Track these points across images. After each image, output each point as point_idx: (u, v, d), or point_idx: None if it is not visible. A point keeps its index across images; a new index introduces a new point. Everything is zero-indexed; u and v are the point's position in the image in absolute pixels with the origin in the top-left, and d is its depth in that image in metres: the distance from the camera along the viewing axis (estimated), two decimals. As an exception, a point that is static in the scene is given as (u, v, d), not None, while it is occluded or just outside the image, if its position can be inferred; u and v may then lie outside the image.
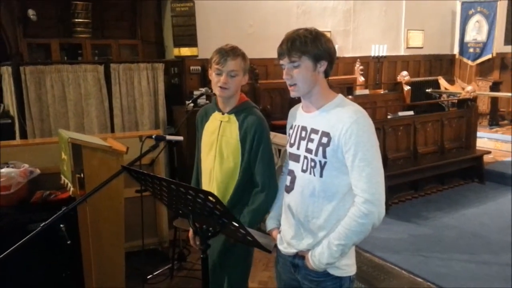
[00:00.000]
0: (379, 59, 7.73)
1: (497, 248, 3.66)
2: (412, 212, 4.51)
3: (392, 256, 3.52)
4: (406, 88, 7.37)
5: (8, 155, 3.06)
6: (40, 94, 4.61)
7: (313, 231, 1.63)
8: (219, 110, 2.08)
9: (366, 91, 7.15)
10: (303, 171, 1.63)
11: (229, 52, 1.95)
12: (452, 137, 5.45)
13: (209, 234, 1.54)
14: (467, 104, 5.68)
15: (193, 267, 3.59)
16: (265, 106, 5.94)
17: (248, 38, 6.21)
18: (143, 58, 5.93)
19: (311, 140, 1.61)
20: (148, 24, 6.20)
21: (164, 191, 1.58)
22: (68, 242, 2.46)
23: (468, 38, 8.81)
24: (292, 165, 1.70)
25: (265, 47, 5.83)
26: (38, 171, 2.90)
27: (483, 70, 8.86)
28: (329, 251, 1.56)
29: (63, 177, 2.81)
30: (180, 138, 2.79)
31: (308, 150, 1.61)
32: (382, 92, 7.58)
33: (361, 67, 7.43)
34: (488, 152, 5.68)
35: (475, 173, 5.48)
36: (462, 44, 8.87)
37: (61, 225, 2.44)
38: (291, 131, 1.75)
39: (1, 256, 1.51)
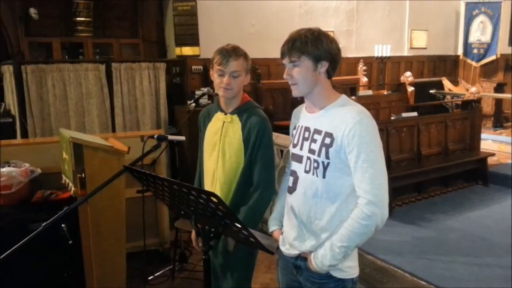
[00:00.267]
0: (382, 60, 7.69)
1: (501, 251, 3.63)
2: (415, 215, 4.48)
3: (395, 259, 3.50)
4: (410, 89, 7.34)
5: (9, 154, 3.06)
6: (41, 93, 4.60)
7: (315, 232, 1.62)
8: (222, 111, 2.07)
9: (369, 92, 7.13)
10: (306, 171, 1.62)
11: (231, 53, 1.94)
12: (456, 138, 5.41)
13: (211, 235, 1.52)
14: (471, 106, 5.65)
15: (195, 268, 3.58)
16: (267, 107, 5.91)
17: (250, 37, 6.19)
18: (145, 58, 5.92)
19: (314, 141, 1.60)
20: (150, 23, 6.19)
21: (166, 192, 1.57)
22: (70, 242, 2.46)
23: (472, 39, 8.77)
24: (294, 165, 1.69)
25: (268, 47, 5.81)
26: (39, 170, 2.90)
27: (487, 71, 8.83)
28: (331, 253, 1.55)
29: (64, 177, 2.80)
30: (182, 138, 2.77)
31: (311, 151, 1.61)
32: (385, 93, 7.56)
33: (364, 67, 7.41)
34: (492, 154, 5.65)
35: (479, 175, 5.45)
36: (466, 45, 8.83)
37: (63, 225, 2.44)
38: (294, 132, 1.74)
39: (3, 255, 1.50)
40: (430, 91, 8.04)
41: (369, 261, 3.50)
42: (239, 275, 2.10)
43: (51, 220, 1.62)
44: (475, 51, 8.75)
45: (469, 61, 8.87)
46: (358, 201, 1.53)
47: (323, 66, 1.58)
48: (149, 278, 3.40)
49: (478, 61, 8.75)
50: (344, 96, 1.65)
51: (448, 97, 7.99)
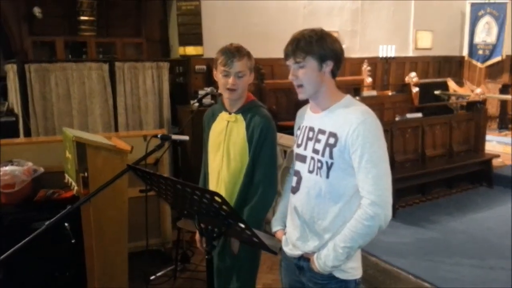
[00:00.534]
0: (387, 60, 7.66)
1: (506, 253, 3.60)
2: (419, 216, 4.46)
3: (398, 260, 3.48)
4: (414, 89, 7.31)
5: (12, 153, 3.07)
6: (44, 92, 4.60)
7: (318, 232, 1.62)
8: (226, 110, 2.07)
9: (374, 93, 7.11)
10: (310, 172, 1.62)
11: (235, 53, 1.94)
12: (461, 140, 5.39)
13: (215, 235, 1.52)
14: (476, 107, 5.62)
15: (197, 268, 3.57)
16: (271, 107, 5.90)
17: (254, 37, 6.15)
18: (148, 57, 5.91)
19: (318, 141, 1.60)
20: (153, 23, 6.20)
21: (170, 191, 1.57)
22: (73, 241, 2.46)
23: (477, 39, 8.72)
24: (298, 165, 1.69)
25: (271, 47, 5.78)
26: (42, 169, 2.90)
27: (493, 72, 8.77)
28: (334, 254, 1.54)
29: (67, 176, 2.80)
30: (186, 137, 2.76)
31: (315, 151, 1.60)
32: (390, 93, 7.54)
33: (369, 68, 7.38)
34: (497, 156, 5.60)
35: (484, 177, 5.41)
36: (471, 46, 8.78)
37: (66, 224, 2.44)
38: (298, 132, 1.74)
39: (6, 254, 1.50)
40: (435, 92, 8.00)
41: (372, 263, 3.48)
42: (244, 276, 2.10)
43: (55, 218, 1.62)
44: (481, 52, 8.70)
45: (474, 62, 8.82)
46: (362, 202, 1.52)
47: (328, 65, 1.58)
48: (151, 278, 3.39)
49: (483, 62, 8.70)
50: (348, 96, 1.64)
51: (453, 98, 7.95)
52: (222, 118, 2.08)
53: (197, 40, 5.93)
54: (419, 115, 5.30)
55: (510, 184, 5.28)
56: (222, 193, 1.99)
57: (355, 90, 6.69)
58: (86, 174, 2.59)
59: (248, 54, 1.99)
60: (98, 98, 4.83)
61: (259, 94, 5.87)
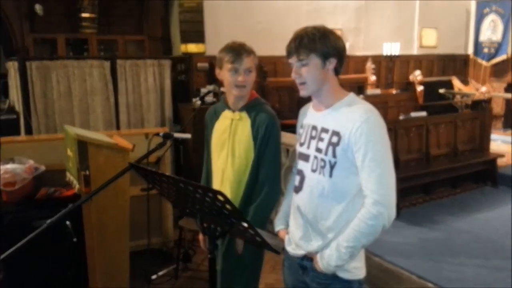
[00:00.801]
0: (391, 58, 7.62)
1: (510, 253, 3.57)
2: (423, 216, 4.44)
3: (402, 261, 3.46)
4: (419, 88, 7.26)
5: (13, 151, 3.07)
6: (45, 90, 4.59)
7: (322, 232, 1.61)
8: (229, 108, 2.05)
9: (378, 91, 7.07)
10: (313, 170, 1.61)
11: (242, 50, 1.94)
12: (465, 139, 5.36)
13: (217, 234, 1.51)
14: (481, 106, 5.60)
15: (198, 268, 3.56)
16: (274, 105, 5.86)
17: (256, 35, 6.12)
18: (149, 55, 5.90)
19: (321, 139, 1.59)
20: (155, 20, 6.18)
21: (172, 190, 1.56)
22: (74, 240, 2.44)
23: (482, 37, 8.67)
24: (301, 164, 1.68)
25: (274, 45, 5.73)
26: (43, 167, 2.90)
27: (498, 71, 8.71)
28: (337, 253, 1.53)
29: (68, 174, 2.80)
30: (188, 135, 2.74)
31: (318, 150, 1.59)
32: (394, 92, 7.50)
33: (373, 66, 7.34)
34: (502, 156, 5.57)
35: (488, 176, 5.39)
36: (477, 44, 8.74)
37: (67, 223, 2.42)
38: (301, 130, 1.73)
39: (7, 253, 1.49)
40: (440, 91, 7.96)
41: (375, 263, 3.46)
42: (247, 276, 2.08)
43: (56, 216, 1.61)
44: (486, 50, 8.65)
45: (479, 60, 8.77)
46: (365, 201, 1.51)
47: (332, 63, 1.57)
48: (153, 277, 3.38)
49: (488, 60, 8.64)
50: (352, 94, 1.63)
51: (458, 96, 7.90)
52: (226, 117, 2.07)
53: (199, 37, 5.91)
54: (424, 113, 5.26)
55: (515, 184, 5.25)
56: (227, 191, 1.99)
57: (359, 88, 6.66)
58: (87, 172, 2.58)
59: (253, 51, 1.99)
60: (100, 96, 4.81)
61: (262, 92, 5.85)
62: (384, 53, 7.60)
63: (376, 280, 3.30)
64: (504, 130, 7.63)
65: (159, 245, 3.82)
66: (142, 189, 3.25)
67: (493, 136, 5.95)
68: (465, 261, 3.48)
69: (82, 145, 2.54)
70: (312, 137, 1.63)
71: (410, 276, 3.27)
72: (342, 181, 1.55)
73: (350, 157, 1.52)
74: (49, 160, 3.02)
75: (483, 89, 5.93)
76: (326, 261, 1.56)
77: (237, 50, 1.93)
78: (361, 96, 5.85)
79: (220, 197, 1.32)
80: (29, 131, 4.53)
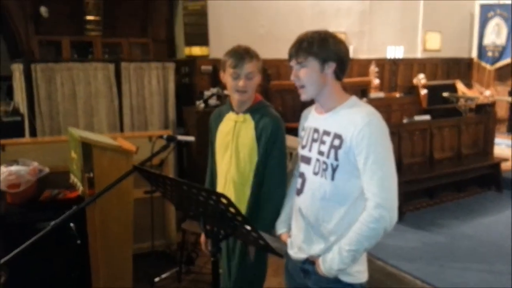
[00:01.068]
0: (395, 61, 7.60)
1: (515, 258, 3.56)
2: (427, 220, 4.44)
3: (405, 265, 3.46)
4: (423, 91, 7.24)
5: (17, 153, 3.08)
6: (50, 92, 4.60)
7: (323, 235, 1.61)
8: (233, 111, 2.06)
9: (381, 94, 7.06)
10: (315, 173, 1.61)
11: (245, 55, 1.95)
12: (469, 143, 5.35)
13: (221, 237, 1.51)
14: (485, 110, 5.58)
15: (201, 270, 3.55)
16: (277, 108, 5.83)
17: (260, 38, 6.15)
18: (154, 57, 5.91)
19: (323, 142, 1.59)
20: (159, 23, 6.20)
21: (176, 192, 1.56)
22: (78, 242, 2.45)
23: (486, 41, 8.64)
24: (303, 167, 1.68)
25: (278, 48, 5.73)
26: (47, 169, 2.90)
27: (502, 74, 8.67)
28: (340, 257, 1.53)
29: (72, 176, 2.80)
30: (192, 138, 2.73)
31: (320, 152, 1.59)
32: (397, 95, 7.49)
33: (376, 69, 7.33)
34: (506, 160, 5.56)
35: (492, 180, 5.38)
36: (481, 48, 8.72)
37: (71, 224, 2.43)
38: (303, 133, 1.73)
39: (11, 255, 1.50)
40: (443, 94, 7.93)
41: (379, 267, 3.46)
42: (250, 279, 2.07)
43: (60, 218, 1.62)
44: (490, 54, 8.62)
45: (483, 64, 8.75)
46: (367, 204, 1.51)
47: (330, 67, 1.58)
48: (155, 280, 3.37)
49: (492, 64, 8.62)
50: (354, 97, 1.64)
51: (462, 100, 7.87)
52: (229, 119, 2.08)
53: (203, 40, 5.92)
54: (427, 117, 5.26)
55: (519, 188, 5.23)
56: (231, 193, 2.00)
57: (362, 91, 6.65)
58: (91, 174, 2.58)
59: (256, 56, 2.00)
60: (104, 98, 4.83)
61: (265, 95, 5.85)
62: (388, 57, 7.60)
63: (379, 284, 3.28)
64: (508, 134, 7.59)
65: (162, 247, 3.81)
66: (145, 192, 3.26)
67: (497, 140, 5.94)
68: (469, 266, 3.47)
69: (86, 147, 2.55)
70: (314, 140, 1.64)
71: (414, 280, 3.26)
72: (344, 184, 1.55)
73: (352, 160, 1.52)
74: (53, 162, 3.02)
75: (487, 93, 5.91)
76: (328, 264, 1.55)
77: (240, 55, 1.94)
78: (365, 99, 5.84)
79: (224, 200, 1.32)
80: (33, 133, 4.54)
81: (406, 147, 4.77)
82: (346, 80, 1.68)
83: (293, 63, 1.60)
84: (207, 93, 5.24)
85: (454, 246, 3.84)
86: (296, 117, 1.89)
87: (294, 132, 1.95)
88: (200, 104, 4.83)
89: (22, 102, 4.66)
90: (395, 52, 7.54)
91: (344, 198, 1.56)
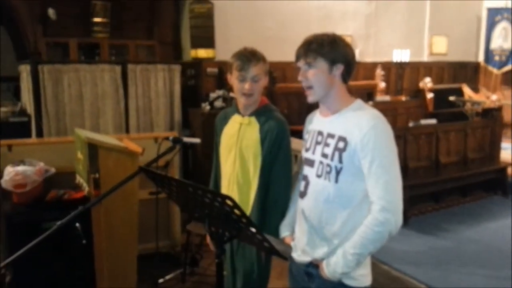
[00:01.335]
0: (401, 65, 7.58)
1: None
2: (432, 224, 4.42)
3: (410, 269, 3.45)
4: (429, 95, 7.21)
5: (24, 153, 3.10)
6: (57, 93, 4.63)
7: (327, 237, 1.60)
8: (239, 113, 2.07)
9: (387, 98, 7.05)
10: (318, 176, 1.61)
11: (251, 58, 1.95)
12: (476, 147, 5.32)
13: (225, 238, 1.51)
14: (491, 114, 5.56)
15: (205, 272, 3.55)
16: (282, 111, 5.85)
17: (266, 41, 6.14)
18: (160, 59, 5.93)
19: (327, 145, 1.59)
20: (166, 25, 6.23)
21: (181, 194, 1.56)
22: (83, 242, 2.46)
23: (493, 45, 8.60)
24: (306, 170, 1.68)
25: (283, 50, 5.75)
26: (53, 170, 2.91)
27: (509, 79, 8.62)
28: (344, 260, 1.52)
29: (78, 177, 2.81)
30: (197, 140, 2.74)
31: (324, 155, 1.59)
32: (403, 99, 7.46)
33: (383, 72, 7.31)
34: (513, 164, 5.52)
35: (499, 185, 5.35)
36: (488, 52, 8.67)
37: (77, 224, 2.44)
38: (307, 136, 1.73)
39: (17, 254, 1.51)
40: (450, 98, 7.89)
41: (383, 271, 3.44)
42: (255, 282, 2.07)
43: (66, 218, 1.63)
44: (497, 58, 8.58)
45: (490, 68, 8.71)
46: (372, 207, 1.50)
47: (338, 69, 1.58)
48: (160, 281, 3.38)
49: (499, 68, 8.57)
50: (359, 101, 1.63)
51: (468, 104, 7.83)
52: (235, 121, 2.08)
53: (209, 43, 5.93)
54: (434, 121, 5.24)
55: (526, 193, 5.20)
56: (235, 195, 2.00)
57: (368, 94, 6.63)
58: (97, 175, 2.59)
59: (263, 58, 2.00)
60: (110, 100, 4.85)
61: (271, 98, 5.85)
62: (394, 60, 7.57)
63: (384, 287, 3.27)
64: (515, 139, 7.53)
65: (167, 248, 3.81)
66: (150, 193, 3.26)
67: (504, 144, 5.90)
68: (474, 270, 3.46)
69: (93, 148, 2.56)
70: (317, 143, 1.63)
71: (418, 284, 3.25)
72: (348, 186, 1.55)
73: (356, 163, 1.52)
74: (59, 163, 3.04)
75: (494, 97, 5.88)
76: (332, 268, 1.54)
77: (246, 58, 1.94)
78: (370, 102, 5.83)
79: (229, 202, 1.32)
80: (40, 133, 4.56)
81: (412, 151, 4.75)
82: (352, 83, 1.68)
83: (301, 63, 1.60)
84: (212, 95, 5.25)
85: (460, 251, 3.82)
86: (301, 120, 1.89)
87: (299, 134, 1.95)
88: (206, 106, 4.84)
89: (29, 102, 4.69)
90: (401, 55, 7.52)
91: (347, 201, 1.56)
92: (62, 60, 5.12)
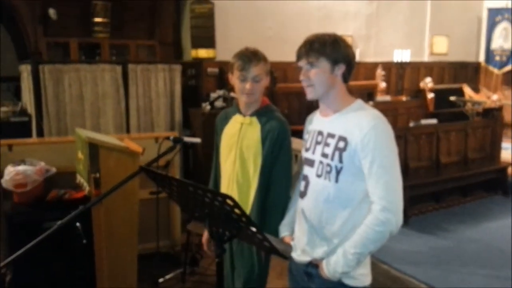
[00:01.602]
0: (401, 65, 7.58)
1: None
2: (433, 224, 4.42)
3: (410, 269, 3.46)
4: (430, 95, 7.21)
5: (24, 153, 3.09)
6: (57, 93, 4.63)
7: (327, 237, 1.60)
8: (240, 113, 2.08)
9: (388, 98, 7.04)
10: (318, 176, 1.61)
11: (252, 58, 1.95)
12: (476, 147, 5.32)
13: (225, 238, 1.51)
14: (492, 114, 5.55)
15: (205, 272, 3.55)
16: (283, 111, 5.85)
17: (267, 41, 6.15)
18: (161, 59, 5.93)
19: (327, 145, 1.59)
20: (166, 25, 6.22)
21: (181, 193, 1.57)
22: (84, 242, 2.46)
23: (494, 45, 8.60)
24: (306, 170, 1.68)
25: (284, 51, 5.75)
26: (54, 169, 2.92)
27: (510, 79, 8.62)
28: (344, 260, 1.52)
29: (78, 176, 2.81)
30: (198, 140, 2.74)
31: (324, 155, 1.59)
32: (404, 99, 7.46)
33: (383, 72, 7.31)
34: (513, 164, 5.52)
35: (499, 185, 5.36)
36: (488, 52, 8.67)
37: (77, 224, 2.44)
38: (307, 136, 1.74)
39: (18, 253, 1.51)
40: (450, 98, 7.89)
41: (383, 270, 3.44)
42: (253, 281, 2.07)
43: (67, 218, 1.63)
44: (497, 58, 8.58)
45: (491, 68, 8.70)
46: (372, 207, 1.50)
47: (340, 69, 1.59)
48: (160, 280, 3.38)
49: (500, 68, 8.57)
50: (359, 101, 1.64)
51: (469, 104, 7.83)
52: (236, 121, 2.09)
53: (209, 43, 5.94)
54: (434, 121, 5.24)
55: (526, 193, 5.20)
56: (234, 195, 2.00)
57: (369, 95, 6.63)
58: (97, 175, 2.59)
59: (264, 58, 2.00)
60: (111, 100, 4.85)
61: (271, 98, 5.84)
62: (395, 60, 7.57)
63: (383, 287, 3.27)
64: (516, 139, 7.52)
65: (167, 248, 3.82)
66: (151, 193, 3.27)
67: (504, 144, 5.90)
68: (474, 270, 3.46)
69: (93, 148, 2.56)
70: (317, 142, 1.64)
71: (418, 284, 3.25)
72: (348, 186, 1.55)
73: (356, 163, 1.52)
74: (60, 162, 3.04)
75: (494, 97, 5.88)
76: (332, 267, 1.55)
77: (247, 58, 1.95)
78: (371, 102, 5.83)
79: (229, 202, 1.32)
80: (40, 133, 4.56)
81: (413, 151, 4.75)
82: (352, 83, 1.69)
83: (302, 63, 1.60)
84: (213, 95, 5.25)
85: (460, 251, 3.82)
86: (302, 120, 1.90)
87: (300, 134, 1.95)
88: (206, 106, 4.83)
89: (30, 102, 4.70)
90: (402, 55, 7.51)
91: (347, 201, 1.56)
92: (63, 60, 5.12)
